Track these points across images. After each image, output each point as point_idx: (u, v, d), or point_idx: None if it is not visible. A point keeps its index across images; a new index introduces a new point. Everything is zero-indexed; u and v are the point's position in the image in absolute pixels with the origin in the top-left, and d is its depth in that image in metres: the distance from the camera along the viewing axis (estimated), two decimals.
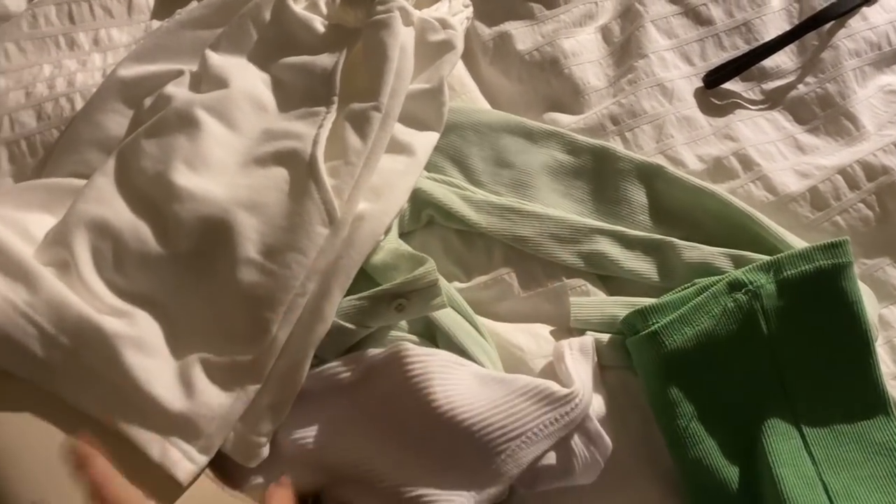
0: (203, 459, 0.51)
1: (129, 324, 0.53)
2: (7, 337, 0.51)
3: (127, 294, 0.55)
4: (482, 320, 0.59)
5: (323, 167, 0.55)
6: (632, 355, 0.58)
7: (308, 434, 0.53)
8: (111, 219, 0.56)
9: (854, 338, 0.55)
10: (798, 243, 0.60)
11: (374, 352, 0.54)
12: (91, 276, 0.55)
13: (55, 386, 0.51)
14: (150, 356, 0.52)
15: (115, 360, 0.51)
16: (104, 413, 0.51)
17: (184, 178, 0.56)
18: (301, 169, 0.55)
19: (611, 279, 0.62)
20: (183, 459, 0.51)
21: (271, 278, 0.53)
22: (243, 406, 0.53)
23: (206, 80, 0.63)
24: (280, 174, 0.56)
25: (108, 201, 0.57)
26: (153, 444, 0.51)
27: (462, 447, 0.49)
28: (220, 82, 0.62)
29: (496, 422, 0.49)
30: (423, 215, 0.63)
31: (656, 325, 0.55)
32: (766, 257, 0.58)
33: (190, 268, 0.55)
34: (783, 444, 0.54)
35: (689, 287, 0.58)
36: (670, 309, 0.56)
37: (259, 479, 0.54)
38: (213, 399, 0.52)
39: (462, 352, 0.56)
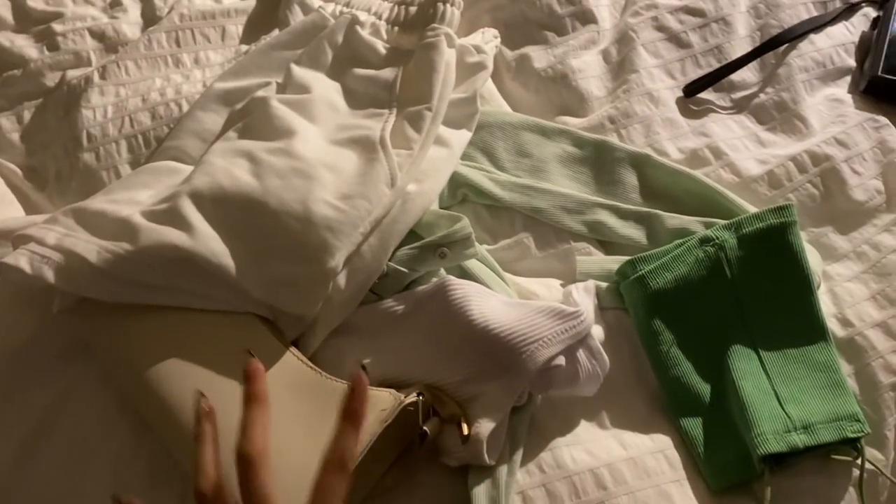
0: None
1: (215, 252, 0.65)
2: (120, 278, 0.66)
3: (216, 224, 0.67)
4: (505, 274, 0.75)
5: (390, 145, 0.71)
6: (624, 297, 0.72)
7: (371, 358, 0.68)
8: (210, 169, 0.70)
9: (799, 280, 0.69)
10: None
11: (422, 288, 0.69)
12: (189, 210, 0.67)
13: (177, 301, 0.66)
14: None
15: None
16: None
17: (284, 142, 0.71)
18: (372, 147, 0.71)
19: (609, 244, 0.77)
20: None
21: (342, 214, 0.65)
22: None
23: (290, 88, 0.80)
24: (354, 152, 0.71)
25: (208, 160, 0.71)
26: None
27: (496, 351, 0.63)
28: (303, 89, 0.79)
29: (519, 331, 0.63)
30: (458, 193, 0.79)
31: (643, 271, 0.70)
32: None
33: (270, 200, 0.66)
34: (744, 364, 0.67)
35: (670, 245, 0.73)
36: (654, 259, 0.71)
37: None
38: None
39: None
